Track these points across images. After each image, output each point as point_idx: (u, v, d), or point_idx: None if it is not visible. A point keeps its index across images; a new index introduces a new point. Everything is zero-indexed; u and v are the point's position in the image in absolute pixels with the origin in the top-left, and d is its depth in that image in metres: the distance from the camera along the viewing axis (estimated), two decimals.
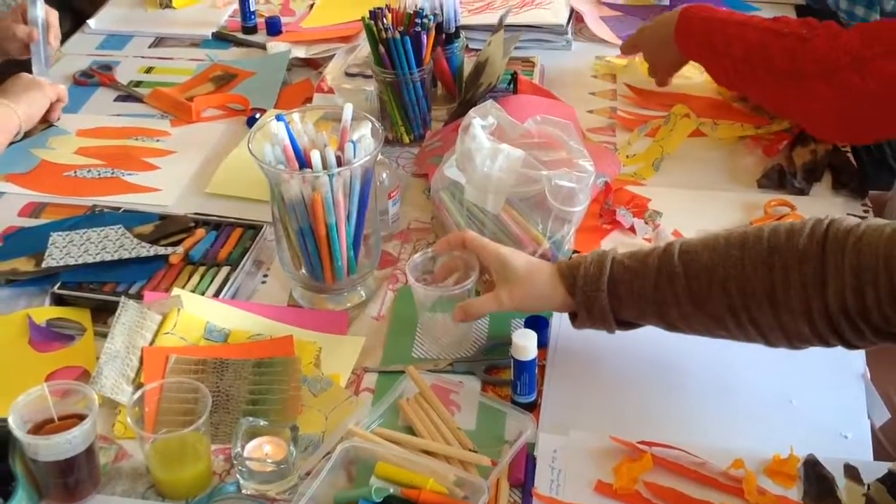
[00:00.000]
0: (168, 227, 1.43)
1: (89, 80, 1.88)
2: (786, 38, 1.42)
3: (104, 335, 1.23)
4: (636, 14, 2.04)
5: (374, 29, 1.58)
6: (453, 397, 1.18)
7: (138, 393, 1.11)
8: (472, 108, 1.39)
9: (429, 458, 1.09)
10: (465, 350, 1.26)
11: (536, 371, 1.16)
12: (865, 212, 1.48)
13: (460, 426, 1.14)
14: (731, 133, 1.62)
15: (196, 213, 1.49)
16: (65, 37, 2.00)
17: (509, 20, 1.75)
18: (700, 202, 1.48)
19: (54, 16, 1.77)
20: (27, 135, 1.67)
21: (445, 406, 1.16)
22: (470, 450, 1.10)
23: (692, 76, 1.78)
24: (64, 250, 1.38)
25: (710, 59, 1.60)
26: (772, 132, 1.61)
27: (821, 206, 1.46)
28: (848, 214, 1.44)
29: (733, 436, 1.13)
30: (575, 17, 1.99)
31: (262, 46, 1.96)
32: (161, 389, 1.13)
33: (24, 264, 1.38)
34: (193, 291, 1.33)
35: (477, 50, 1.77)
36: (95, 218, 1.47)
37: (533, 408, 1.17)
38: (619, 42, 1.93)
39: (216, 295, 1.33)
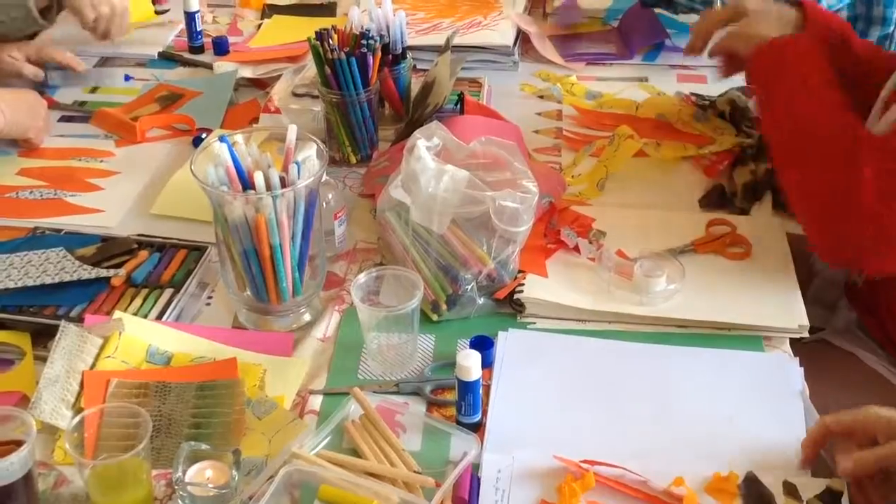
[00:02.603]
0: (110, 249, 1.42)
1: None
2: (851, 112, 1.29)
3: (44, 359, 1.22)
4: (583, 35, 2.06)
5: (321, 50, 1.58)
6: (398, 418, 1.18)
7: (78, 418, 1.09)
8: (418, 129, 1.40)
9: (372, 481, 1.08)
10: (411, 371, 1.26)
11: (481, 391, 1.17)
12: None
13: (405, 447, 1.13)
14: (674, 153, 1.65)
15: (140, 235, 1.47)
16: None
17: (456, 41, 1.77)
18: (643, 222, 1.50)
19: None
20: None
21: (391, 427, 1.16)
22: (415, 471, 1.10)
23: (636, 98, 1.81)
24: (3, 273, 1.35)
25: (777, 89, 1.40)
26: (713, 153, 1.64)
27: (762, 226, 1.49)
28: (787, 234, 1.48)
29: (674, 454, 1.14)
30: (522, 37, 2.01)
31: (209, 66, 1.96)
32: (101, 414, 1.11)
33: None
34: (136, 314, 1.31)
35: (424, 70, 1.77)
36: (36, 240, 1.45)
37: (478, 428, 1.17)
38: (565, 63, 1.96)
39: (159, 317, 1.31)
